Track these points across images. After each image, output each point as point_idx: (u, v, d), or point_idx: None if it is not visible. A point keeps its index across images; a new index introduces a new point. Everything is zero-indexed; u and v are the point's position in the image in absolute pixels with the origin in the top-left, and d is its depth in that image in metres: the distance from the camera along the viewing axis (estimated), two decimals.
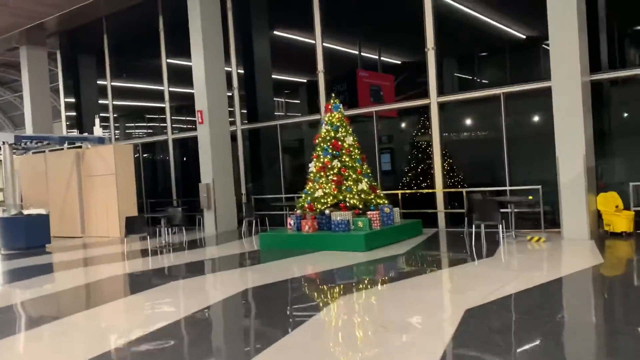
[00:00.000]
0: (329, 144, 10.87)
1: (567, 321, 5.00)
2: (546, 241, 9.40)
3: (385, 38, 13.97)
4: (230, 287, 7.30)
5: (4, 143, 13.95)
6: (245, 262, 9.70)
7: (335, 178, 10.56)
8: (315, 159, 11.06)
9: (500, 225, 9.39)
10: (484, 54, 13.42)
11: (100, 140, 15.82)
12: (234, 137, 15.56)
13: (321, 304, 6.17)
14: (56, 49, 21.31)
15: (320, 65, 13.93)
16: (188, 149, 17.79)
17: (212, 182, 14.41)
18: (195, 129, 15.43)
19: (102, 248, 12.59)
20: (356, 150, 10.99)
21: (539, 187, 10.60)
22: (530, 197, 10.40)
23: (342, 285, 7.14)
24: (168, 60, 17.36)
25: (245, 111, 16.01)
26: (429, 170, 13.89)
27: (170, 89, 17.49)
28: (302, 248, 10.16)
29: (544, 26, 9.67)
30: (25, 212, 13.59)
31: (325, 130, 11.01)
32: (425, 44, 12.12)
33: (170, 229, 13.00)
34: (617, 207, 9.63)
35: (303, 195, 11.07)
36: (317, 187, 10.69)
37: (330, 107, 11.10)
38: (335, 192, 10.51)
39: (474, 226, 9.56)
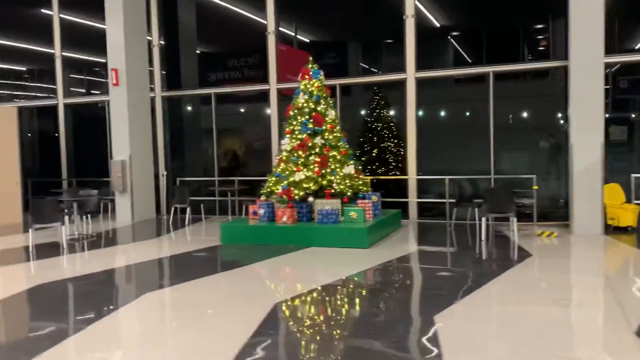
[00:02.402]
0: (307, 117, 8.97)
1: None
2: (557, 236, 8.55)
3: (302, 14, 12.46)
4: (226, 327, 5.19)
5: None
6: (218, 264, 7.52)
7: (318, 159, 8.72)
8: (289, 135, 9.09)
9: (515, 219, 8.33)
10: (389, 40, 12.73)
11: None
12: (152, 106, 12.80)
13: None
14: None
15: (271, 25, 11.82)
16: (85, 117, 14.56)
17: (128, 159, 11.64)
18: (92, 94, 12.50)
19: None
20: (338, 127, 9.23)
21: (534, 176, 9.77)
22: (536, 187, 9.51)
23: (430, 303, 5.43)
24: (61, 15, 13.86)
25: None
26: (384, 155, 12.64)
27: (65, 52, 14.03)
28: (278, 243, 8.22)
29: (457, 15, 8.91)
30: None
31: (303, 101, 9.07)
32: (404, 10, 10.66)
33: (82, 217, 10.09)
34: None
35: (273, 179, 9.05)
36: (295, 169, 8.75)
37: (309, 73, 9.18)
38: (317, 176, 8.68)
39: (484, 219, 8.35)
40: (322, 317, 4.81)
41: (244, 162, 13.88)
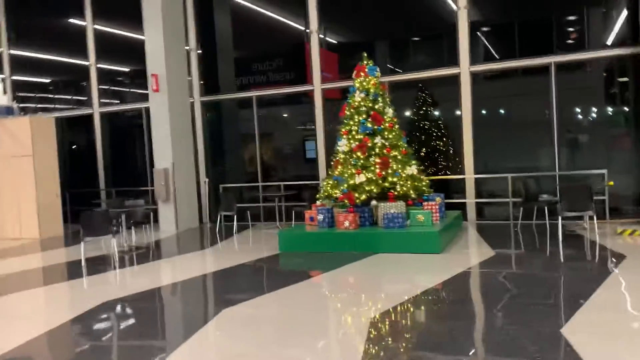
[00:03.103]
0: (365, 116, 8.51)
1: None
2: None
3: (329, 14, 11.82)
4: None
5: None
6: (288, 274, 7.09)
7: (378, 160, 8.24)
8: (345, 136, 8.64)
9: (594, 217, 7.77)
10: (416, 38, 12.50)
11: (8, 111, 11.84)
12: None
13: None
14: None
15: (314, 24, 11.40)
16: (116, 126, 14.33)
17: (171, 167, 11.29)
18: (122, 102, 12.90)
19: (30, 257, 9.07)
20: (397, 126, 8.75)
21: (605, 171, 9.20)
22: (611, 183, 8.93)
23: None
24: (95, 26, 13.60)
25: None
26: (433, 155, 12.15)
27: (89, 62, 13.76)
28: (340, 250, 7.75)
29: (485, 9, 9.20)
30: None
31: (359, 99, 8.62)
32: (456, 2, 10.18)
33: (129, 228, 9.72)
34: None
35: (330, 182, 8.61)
36: (354, 171, 8.29)
37: (365, 69, 8.72)
38: (379, 178, 8.20)
39: (560, 218, 7.80)
40: (434, 332, 4.33)
41: (272, 167, 13.49)
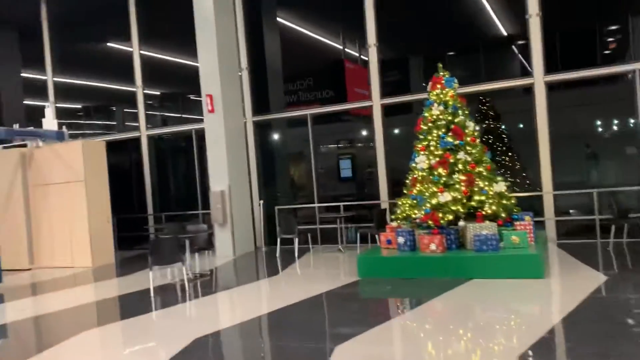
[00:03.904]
0: (444, 130, 7.97)
1: None
2: None
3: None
4: None
5: None
6: (385, 304, 6.50)
7: (463, 177, 7.66)
8: (423, 152, 8.09)
9: None
10: (451, 53, 12.03)
11: (59, 136, 11.56)
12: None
13: None
14: None
15: (372, 38, 10.96)
16: (165, 148, 14.04)
17: (227, 189, 10.85)
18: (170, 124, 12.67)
19: (90, 288, 8.65)
20: (479, 140, 8.19)
21: None
22: None
23: None
24: (142, 52, 13.39)
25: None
26: (499, 170, 11.51)
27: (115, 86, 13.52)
28: (426, 275, 7.16)
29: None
30: None
31: (438, 113, 8.08)
32: (526, 9, 9.66)
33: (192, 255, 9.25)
34: None
35: (408, 202, 8.04)
36: (436, 189, 7.71)
37: (441, 81, 8.20)
38: (465, 196, 7.61)
39: None
40: None
41: (302, 188, 13.00)
